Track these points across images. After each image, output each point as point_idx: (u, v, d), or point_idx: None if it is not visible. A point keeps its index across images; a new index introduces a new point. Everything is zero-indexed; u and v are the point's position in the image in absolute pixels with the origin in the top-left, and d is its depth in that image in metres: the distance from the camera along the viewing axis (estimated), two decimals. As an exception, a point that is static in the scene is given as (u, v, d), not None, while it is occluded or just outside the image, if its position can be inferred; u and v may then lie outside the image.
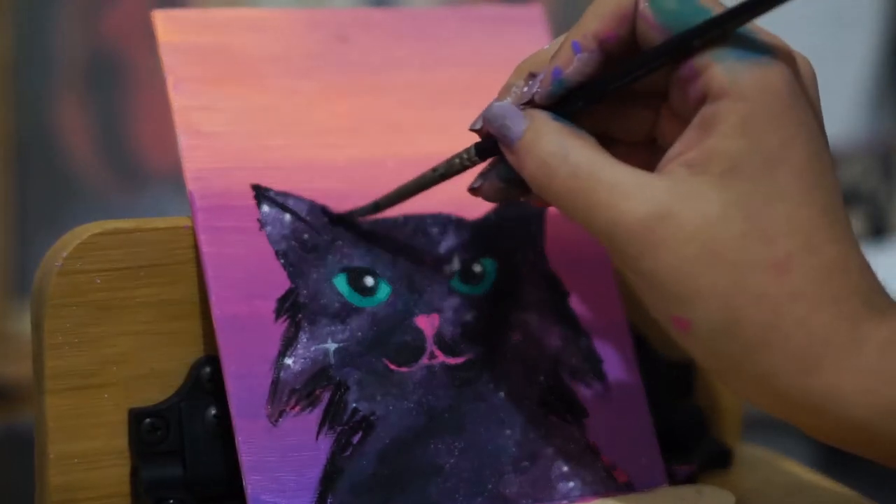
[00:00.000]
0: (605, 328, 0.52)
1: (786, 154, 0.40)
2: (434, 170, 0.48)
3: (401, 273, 0.50)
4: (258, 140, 0.51)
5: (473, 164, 0.47)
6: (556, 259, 0.52)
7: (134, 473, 0.48)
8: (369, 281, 0.50)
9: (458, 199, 0.52)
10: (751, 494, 0.51)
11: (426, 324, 0.50)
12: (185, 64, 0.51)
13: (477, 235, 0.51)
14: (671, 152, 0.41)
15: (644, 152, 0.45)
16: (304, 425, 0.47)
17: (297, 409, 0.47)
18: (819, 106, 0.43)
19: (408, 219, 0.51)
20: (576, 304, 0.52)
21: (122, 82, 1.13)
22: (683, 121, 0.42)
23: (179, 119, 0.50)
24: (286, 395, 0.47)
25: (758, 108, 0.40)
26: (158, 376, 0.49)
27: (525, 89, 0.45)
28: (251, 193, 0.50)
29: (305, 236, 0.50)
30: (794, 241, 0.40)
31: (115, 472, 0.48)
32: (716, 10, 0.41)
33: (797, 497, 0.52)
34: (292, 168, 0.50)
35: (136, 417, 0.48)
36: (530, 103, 0.44)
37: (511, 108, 0.44)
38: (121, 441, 0.48)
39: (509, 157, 0.44)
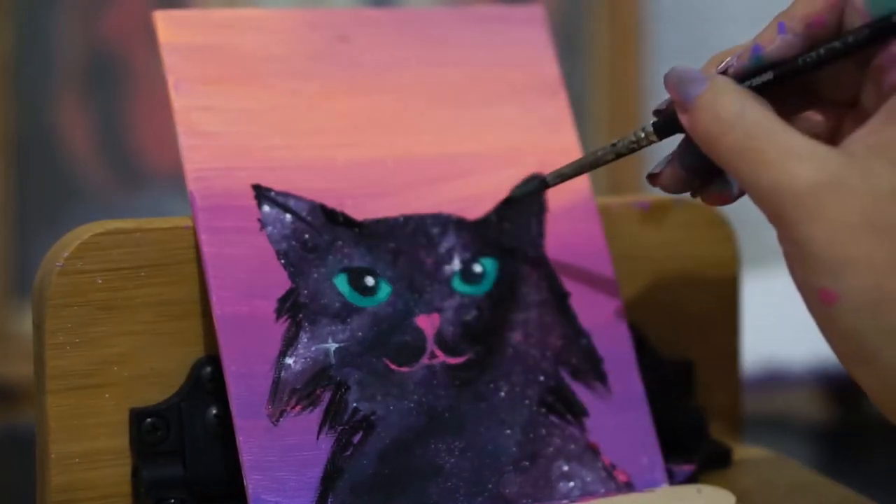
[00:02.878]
0: (605, 328, 0.52)
1: None
2: (613, 144, 0.47)
3: (401, 273, 0.50)
4: (259, 140, 0.51)
5: (650, 142, 0.46)
6: (556, 259, 0.52)
7: (134, 473, 0.48)
8: (370, 281, 0.50)
9: (459, 200, 0.52)
10: (750, 494, 0.51)
11: (426, 324, 0.50)
12: (185, 64, 0.51)
13: (477, 235, 0.52)
14: (854, 135, 0.41)
15: None
16: (304, 425, 0.47)
17: (298, 408, 0.47)
18: None
19: (408, 219, 0.51)
20: (576, 304, 0.52)
21: (123, 82, 1.13)
22: None
23: (180, 119, 0.50)
24: (287, 394, 0.47)
25: None
26: (159, 376, 0.49)
27: (719, 68, 0.45)
28: (252, 193, 0.50)
29: (306, 236, 0.50)
30: None
31: (116, 471, 0.48)
32: None
33: (797, 497, 0.52)
34: (293, 168, 0.50)
35: (136, 417, 0.48)
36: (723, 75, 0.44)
37: (693, 70, 0.44)
38: (121, 441, 0.48)
39: (683, 118, 0.43)
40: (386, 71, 0.54)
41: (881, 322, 0.39)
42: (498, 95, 0.54)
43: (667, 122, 0.45)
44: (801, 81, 0.44)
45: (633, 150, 0.47)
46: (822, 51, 0.42)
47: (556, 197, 0.53)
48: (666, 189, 0.47)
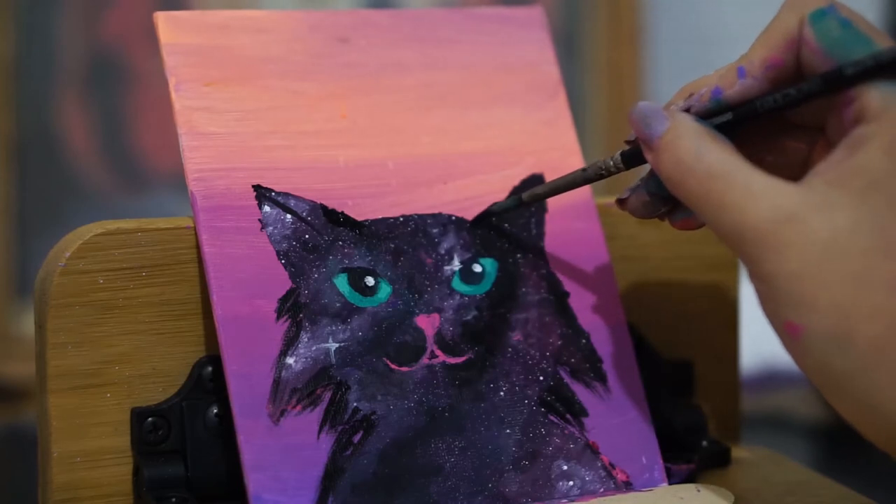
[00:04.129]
0: (605, 328, 0.52)
1: None
2: (584, 170, 0.49)
3: (401, 273, 0.50)
4: (259, 140, 0.51)
5: (619, 170, 0.48)
6: (556, 259, 0.52)
7: (136, 472, 0.49)
8: (370, 281, 0.50)
9: (459, 200, 0.52)
10: (749, 494, 0.52)
11: (426, 323, 0.50)
12: (186, 65, 0.51)
13: (477, 235, 0.52)
14: (815, 169, 0.42)
15: None
16: (305, 425, 0.47)
17: (299, 408, 0.48)
18: None
19: (408, 219, 0.51)
20: (576, 304, 0.52)
21: (124, 83, 1.13)
22: None
23: (181, 120, 0.50)
24: (287, 394, 0.48)
25: None
26: (160, 376, 0.49)
27: (681, 104, 0.46)
28: (252, 194, 0.50)
29: (306, 236, 0.50)
30: None
31: (118, 470, 0.48)
32: (877, 40, 0.42)
33: (795, 496, 0.52)
34: (293, 168, 0.51)
35: (138, 416, 0.48)
36: None
37: (655, 108, 0.45)
38: (123, 440, 0.48)
39: (648, 156, 0.45)
40: (386, 72, 0.54)
41: (846, 353, 0.40)
42: (498, 96, 0.55)
43: (634, 153, 0.47)
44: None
45: (601, 177, 0.49)
46: (778, 96, 0.43)
47: (556, 197, 0.53)
48: (633, 213, 0.48)
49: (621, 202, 0.48)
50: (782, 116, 0.46)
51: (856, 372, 0.40)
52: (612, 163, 0.48)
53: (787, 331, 0.41)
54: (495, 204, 0.52)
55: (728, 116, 0.44)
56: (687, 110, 0.45)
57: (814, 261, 0.40)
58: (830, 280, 0.40)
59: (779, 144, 0.46)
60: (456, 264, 0.51)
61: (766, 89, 0.44)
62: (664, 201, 0.46)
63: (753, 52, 0.44)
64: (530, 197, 0.51)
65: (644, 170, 0.47)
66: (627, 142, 0.47)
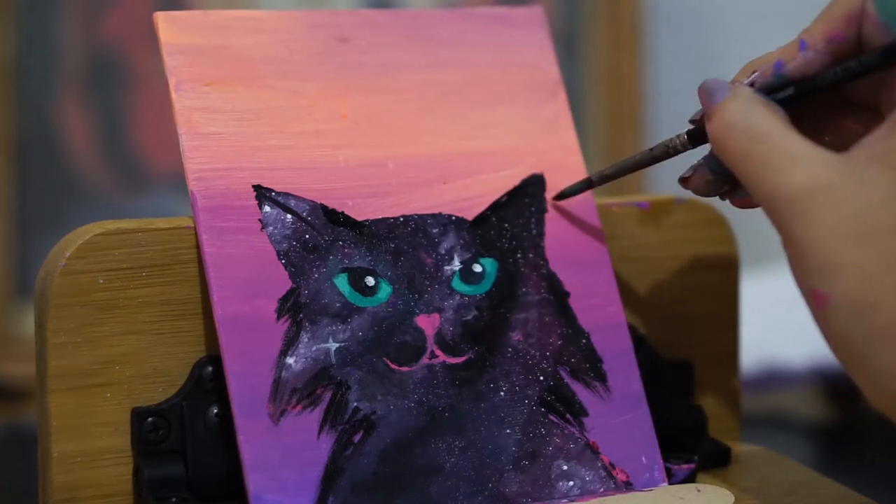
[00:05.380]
0: (605, 328, 0.52)
1: None
2: (651, 149, 0.50)
3: (401, 273, 0.50)
4: (259, 140, 0.51)
5: (685, 148, 0.48)
6: (556, 259, 0.52)
7: (136, 472, 0.49)
8: (370, 281, 0.50)
9: (459, 200, 0.52)
10: (749, 493, 0.52)
11: (427, 323, 0.50)
12: (186, 65, 0.51)
13: (477, 235, 0.52)
14: (860, 143, 0.42)
15: None
16: (305, 424, 0.47)
17: (299, 408, 0.48)
18: None
19: (408, 219, 0.51)
20: (576, 304, 0.52)
21: (125, 83, 1.13)
22: None
23: (181, 120, 0.50)
24: (287, 394, 0.48)
25: None
26: (161, 376, 0.49)
27: (745, 80, 0.46)
28: (252, 194, 0.50)
29: (306, 236, 0.50)
30: None
31: (118, 470, 0.49)
32: None
33: (795, 496, 0.52)
34: (293, 168, 0.51)
35: (138, 416, 0.48)
36: None
37: (721, 82, 0.45)
38: (123, 440, 0.48)
39: (707, 127, 0.45)
40: (386, 71, 0.54)
41: (869, 326, 0.40)
42: (498, 96, 0.55)
43: (699, 131, 0.47)
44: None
45: (668, 156, 0.49)
46: (838, 70, 0.44)
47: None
48: (696, 191, 0.48)
49: (684, 180, 0.48)
50: (842, 95, 0.46)
51: (876, 344, 0.40)
52: (678, 141, 0.48)
53: (814, 299, 0.41)
54: (569, 187, 0.53)
55: (790, 91, 0.45)
56: (751, 85, 0.46)
57: (841, 231, 0.40)
58: (857, 250, 0.40)
59: (838, 124, 0.47)
60: (456, 264, 0.51)
61: (827, 63, 0.45)
62: (726, 179, 0.47)
63: (815, 26, 0.45)
64: (599, 178, 0.52)
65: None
66: (692, 121, 0.48)
